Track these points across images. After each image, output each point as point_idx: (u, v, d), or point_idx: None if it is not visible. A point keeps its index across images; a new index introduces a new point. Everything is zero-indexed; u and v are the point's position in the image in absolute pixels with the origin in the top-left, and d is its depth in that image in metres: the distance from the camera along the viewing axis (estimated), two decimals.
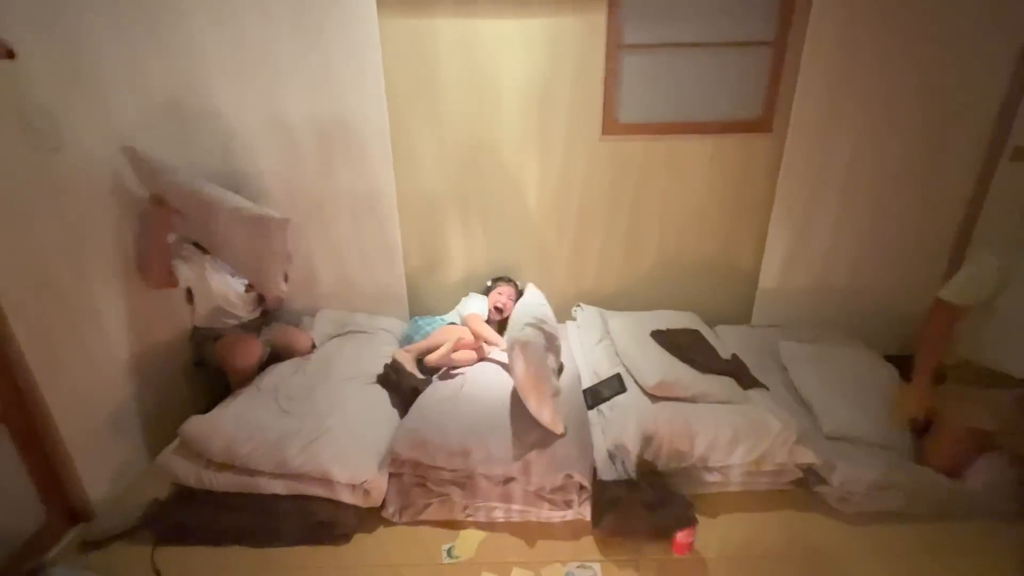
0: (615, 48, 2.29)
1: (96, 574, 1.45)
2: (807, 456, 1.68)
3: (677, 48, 2.31)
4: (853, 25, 2.12)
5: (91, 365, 1.74)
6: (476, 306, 2.39)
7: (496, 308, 2.44)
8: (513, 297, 2.48)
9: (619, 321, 2.34)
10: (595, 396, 1.97)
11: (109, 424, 1.81)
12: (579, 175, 2.46)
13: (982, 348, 1.76)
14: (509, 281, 2.57)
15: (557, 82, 2.31)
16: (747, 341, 2.40)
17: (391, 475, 1.69)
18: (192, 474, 1.64)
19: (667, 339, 2.12)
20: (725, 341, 2.40)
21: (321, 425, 1.75)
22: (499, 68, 2.28)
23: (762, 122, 2.40)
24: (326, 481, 1.62)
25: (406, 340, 2.43)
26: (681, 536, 1.50)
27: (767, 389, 1.99)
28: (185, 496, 1.66)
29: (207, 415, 1.72)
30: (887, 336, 2.57)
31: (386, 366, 2.11)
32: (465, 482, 1.68)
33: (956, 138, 2.31)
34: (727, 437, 1.71)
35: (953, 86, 2.21)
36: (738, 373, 2.02)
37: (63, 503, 1.69)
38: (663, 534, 1.53)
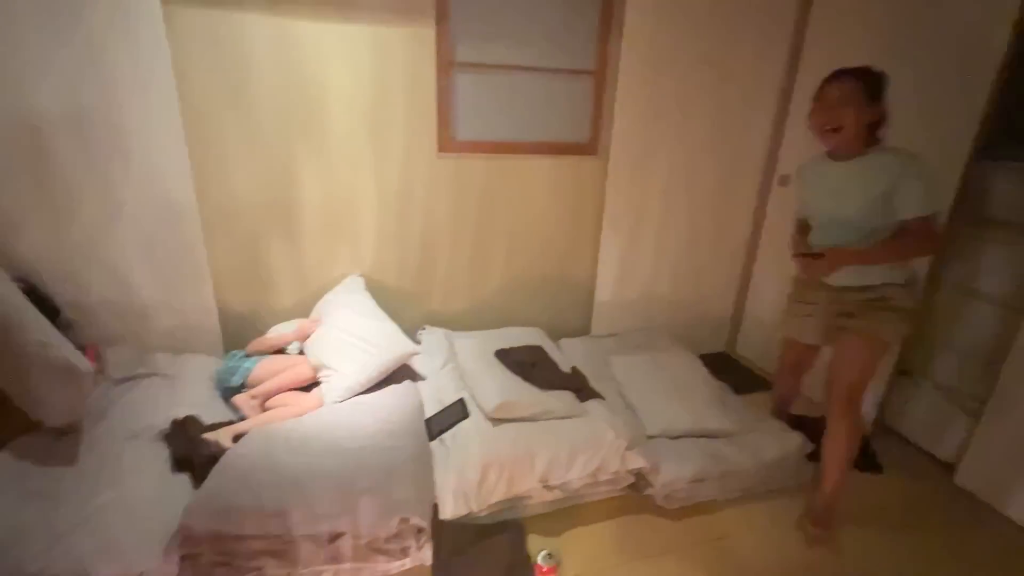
0: (447, 65, 2.24)
1: None
2: (637, 461, 1.77)
3: (510, 70, 2.35)
4: (658, 62, 2.37)
5: None
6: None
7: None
8: None
9: (465, 342, 2.28)
10: (437, 426, 1.87)
11: None
12: (419, 192, 2.36)
13: None
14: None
15: (388, 94, 2.19)
16: (588, 351, 2.51)
17: (183, 559, 1.38)
18: None
19: (510, 357, 2.11)
20: (568, 354, 2.47)
21: (82, 509, 1.37)
22: (322, 75, 2.09)
23: (590, 146, 2.56)
24: None
25: (222, 380, 2.06)
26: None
27: (604, 399, 2.08)
28: None
29: None
30: (700, 337, 2.91)
31: (173, 422, 1.72)
32: (284, 549, 1.44)
33: (743, 166, 2.71)
34: (566, 453, 1.72)
35: (738, 121, 2.60)
36: (578, 386, 2.08)
37: None
38: None
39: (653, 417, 2.00)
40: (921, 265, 1.95)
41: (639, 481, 1.82)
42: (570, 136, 2.54)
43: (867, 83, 1.54)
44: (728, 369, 2.81)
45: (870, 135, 1.58)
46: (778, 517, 1.82)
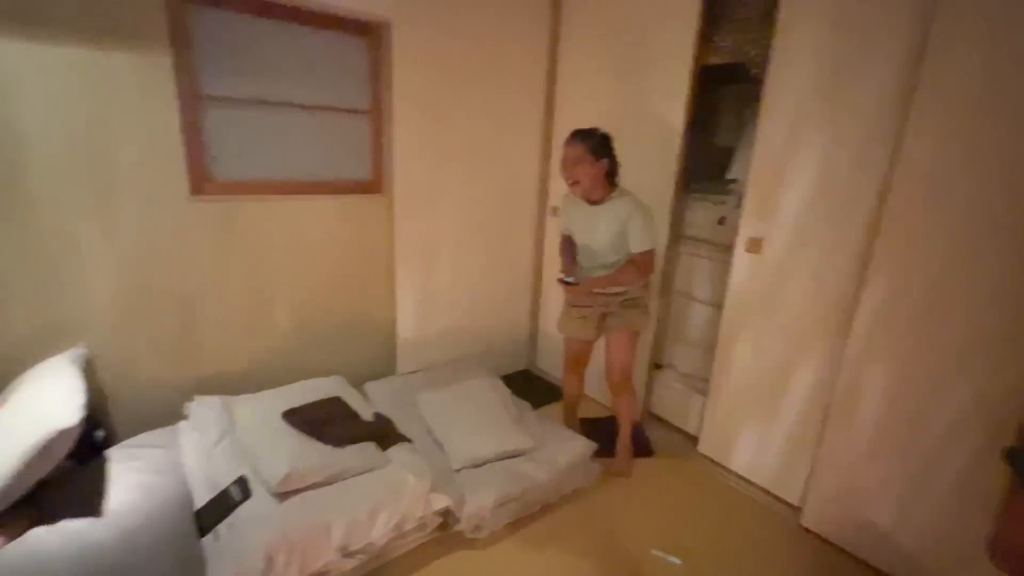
0: (194, 99, 1.99)
1: None
2: (441, 501, 1.77)
3: (279, 107, 2.19)
4: (429, 106, 2.48)
5: None
6: None
7: None
8: None
9: (245, 408, 2.00)
10: (210, 516, 1.59)
11: None
12: (168, 241, 2.02)
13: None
14: None
15: (114, 132, 1.83)
16: (395, 392, 2.45)
17: None
18: None
19: (300, 417, 1.92)
20: (374, 398, 2.38)
21: None
22: (15, 109, 1.65)
23: (373, 184, 2.53)
24: None
25: None
26: None
27: (411, 442, 2.04)
28: None
29: None
30: (505, 359, 3.09)
31: None
32: None
33: (521, 199, 2.99)
34: (366, 511, 1.63)
35: (511, 160, 2.86)
36: (380, 433, 2.00)
37: None
38: None
39: (458, 449, 2.03)
40: (656, 278, 2.41)
41: (448, 520, 1.82)
42: (351, 174, 2.48)
43: (590, 144, 1.92)
44: (528, 385, 3.04)
45: (608, 181, 1.98)
46: (576, 517, 2.01)
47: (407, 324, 2.70)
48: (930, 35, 1.54)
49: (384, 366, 2.71)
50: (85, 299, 1.90)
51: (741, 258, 2.17)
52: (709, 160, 2.66)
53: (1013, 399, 1.49)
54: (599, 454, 2.26)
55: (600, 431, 2.44)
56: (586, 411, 2.62)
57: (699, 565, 1.80)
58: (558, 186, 2.97)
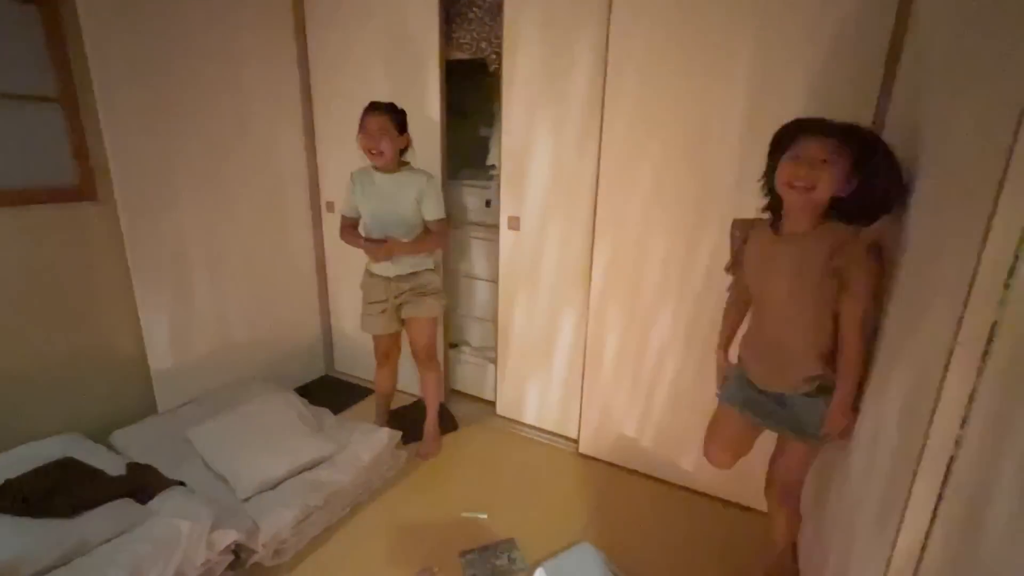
0: None
1: None
2: (228, 536, 1.59)
3: None
4: (145, 96, 2.10)
5: None
6: None
7: None
8: None
9: None
10: None
11: None
12: None
13: None
14: None
15: None
16: (157, 435, 2.08)
17: None
18: None
19: (13, 492, 1.50)
20: (126, 448, 1.98)
21: None
22: None
23: (83, 189, 2.04)
24: None
25: None
26: None
27: (183, 484, 1.76)
28: None
29: None
30: (298, 369, 2.89)
31: None
32: None
33: (290, 196, 2.77)
34: None
35: (272, 155, 2.62)
36: (137, 485, 1.68)
37: None
38: None
39: (244, 477, 1.84)
40: (439, 260, 2.52)
41: (241, 555, 1.65)
42: (49, 179, 1.96)
43: (396, 117, 2.00)
44: (329, 390, 2.91)
45: (399, 156, 2.05)
46: (387, 508, 2.02)
47: (161, 353, 2.29)
48: (611, 23, 1.91)
49: (137, 408, 2.26)
50: None
51: (506, 235, 2.42)
52: (473, 149, 2.87)
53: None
54: (409, 439, 2.30)
55: (408, 417, 2.49)
56: (395, 404, 2.62)
57: (502, 515, 2.00)
58: (330, 182, 2.85)
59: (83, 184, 2.06)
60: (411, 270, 2.14)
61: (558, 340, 2.41)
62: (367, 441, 2.13)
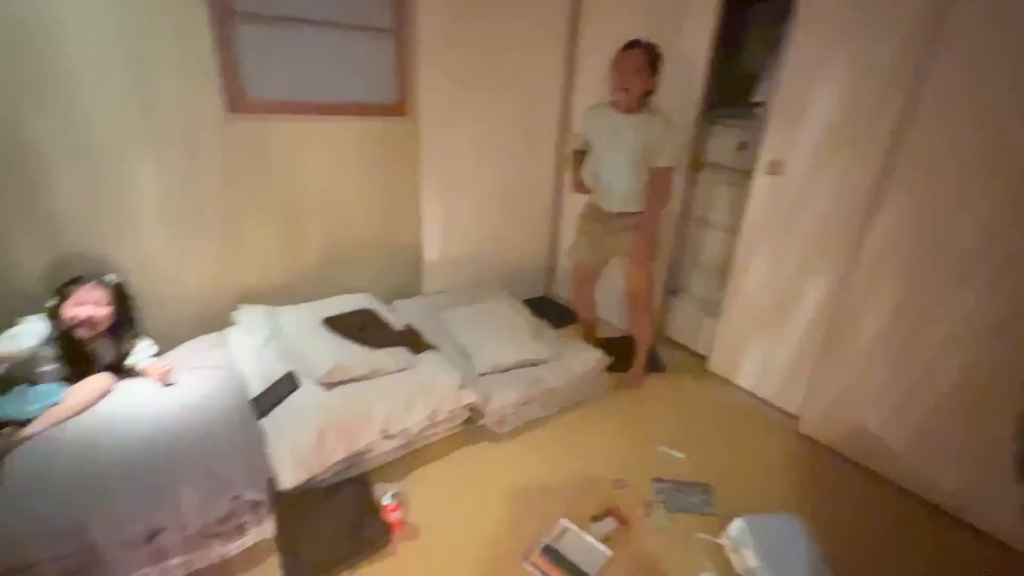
0: (226, 14, 2.02)
1: None
2: (469, 397, 1.95)
3: (301, 24, 2.21)
4: (455, 28, 2.46)
5: None
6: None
7: (77, 324, 1.67)
8: (105, 301, 1.76)
9: (289, 316, 2.18)
10: (265, 402, 1.79)
11: None
12: (210, 159, 2.12)
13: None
14: (91, 281, 1.75)
15: (148, 48, 1.89)
16: (421, 309, 2.61)
17: None
18: None
19: (339, 324, 2.10)
20: (401, 313, 2.54)
21: None
22: (51, 26, 1.71)
23: (398, 107, 2.57)
24: None
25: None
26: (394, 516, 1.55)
27: (438, 349, 2.21)
28: None
29: None
30: (523, 285, 3.22)
31: None
32: (88, 564, 1.28)
33: (542, 126, 3.00)
34: (402, 402, 1.82)
35: (534, 86, 2.85)
36: (410, 341, 2.17)
37: None
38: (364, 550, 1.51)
39: (482, 357, 2.20)
40: (674, 205, 2.47)
41: (474, 415, 2.02)
42: (377, 97, 2.51)
43: (652, 57, 1.96)
44: (547, 309, 3.19)
45: (644, 98, 2.02)
46: (590, 418, 2.20)
47: (432, 247, 2.82)
48: None
49: (411, 285, 2.85)
50: (137, 214, 2.04)
51: (761, 181, 2.21)
52: (733, 85, 2.62)
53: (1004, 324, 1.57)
54: (613, 369, 2.42)
55: (615, 349, 2.60)
56: (603, 334, 2.75)
57: (700, 461, 1.99)
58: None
59: (400, 102, 2.58)
60: (630, 209, 2.15)
61: (798, 305, 2.16)
62: (580, 356, 2.31)
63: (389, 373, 1.93)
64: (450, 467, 1.89)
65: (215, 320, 2.26)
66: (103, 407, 1.64)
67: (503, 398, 2.01)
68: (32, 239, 1.88)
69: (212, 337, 2.15)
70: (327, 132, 2.38)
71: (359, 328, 2.09)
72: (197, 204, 2.15)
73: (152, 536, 1.35)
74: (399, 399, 1.81)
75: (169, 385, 1.79)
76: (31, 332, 1.63)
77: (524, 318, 2.55)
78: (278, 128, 2.25)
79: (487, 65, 2.64)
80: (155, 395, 1.74)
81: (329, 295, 2.46)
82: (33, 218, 1.86)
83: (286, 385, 1.84)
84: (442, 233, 2.83)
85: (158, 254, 2.13)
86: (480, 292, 2.83)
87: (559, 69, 2.92)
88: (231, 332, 2.19)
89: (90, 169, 1.90)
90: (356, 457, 1.74)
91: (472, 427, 2.03)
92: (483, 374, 2.15)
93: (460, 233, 2.90)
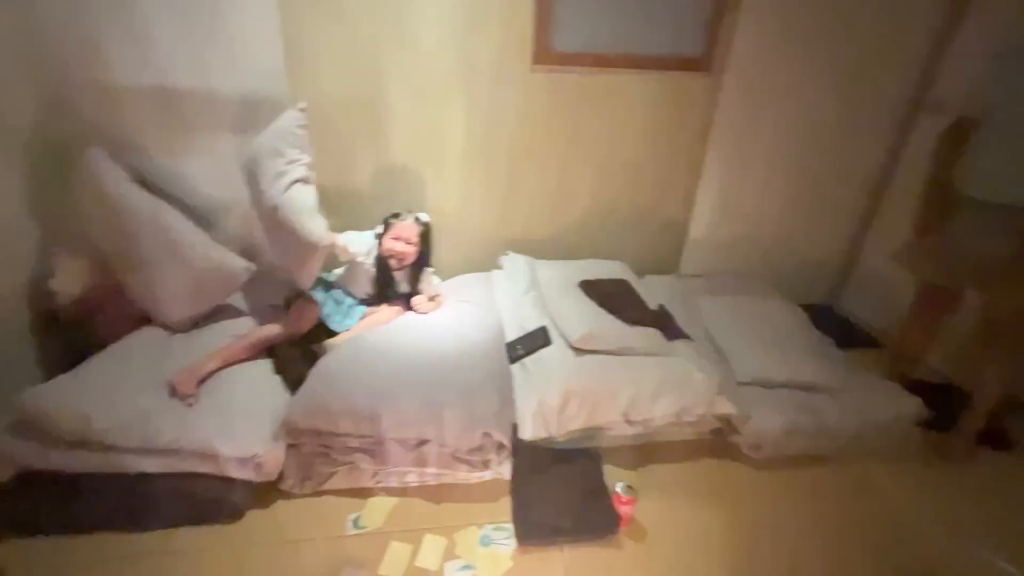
0: None
1: None
2: (726, 407, 1.68)
3: None
4: None
5: None
6: (357, 243, 1.95)
7: (391, 255, 1.95)
8: (415, 238, 1.98)
9: (548, 271, 2.22)
10: (518, 349, 1.86)
11: None
12: (509, 109, 2.22)
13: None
14: (409, 219, 1.98)
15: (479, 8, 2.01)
16: (674, 290, 2.37)
17: (289, 446, 1.51)
18: (36, 455, 1.36)
19: (595, 290, 2.03)
20: (653, 291, 2.34)
21: (199, 397, 1.51)
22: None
23: (701, 61, 2.25)
24: (209, 456, 1.41)
25: None
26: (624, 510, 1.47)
27: (691, 340, 1.97)
28: (31, 480, 1.38)
29: (48, 385, 1.42)
30: (801, 286, 2.65)
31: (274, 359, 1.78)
32: (374, 449, 1.54)
33: (884, 89, 2.29)
34: (650, 390, 1.66)
35: (885, 37, 2.17)
36: (664, 324, 1.98)
37: None
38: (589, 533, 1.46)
39: (745, 363, 1.87)
40: None
41: (725, 428, 1.75)
42: (679, 49, 2.25)
43: None
44: (829, 322, 2.57)
45: None
46: (871, 481, 1.70)
47: (701, 223, 2.50)
48: None
49: (666, 262, 2.62)
50: (446, 152, 2.28)
51: None
52: None
53: None
54: (931, 426, 1.80)
55: (936, 399, 1.93)
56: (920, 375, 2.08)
57: None
58: (954, 76, 2.16)
59: (704, 56, 2.26)
60: None
61: None
62: (882, 396, 1.79)
63: (639, 354, 1.79)
64: (689, 476, 1.69)
65: (484, 262, 2.46)
66: (402, 321, 1.92)
67: (766, 420, 1.67)
68: (370, 164, 2.27)
69: (480, 276, 2.34)
70: (619, 87, 2.24)
71: (614, 298, 1.99)
72: (491, 151, 2.30)
73: (419, 444, 1.54)
74: (647, 386, 1.66)
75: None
76: (364, 243, 1.98)
77: (803, 328, 2.09)
78: (571, 81, 2.21)
79: (827, 24, 2.09)
80: (433, 318, 1.98)
81: (583, 256, 2.42)
82: (372, 146, 2.24)
83: (539, 338, 1.87)
84: (717, 209, 2.47)
85: (454, 193, 2.37)
86: (746, 285, 2.42)
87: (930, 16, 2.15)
88: (496, 275, 2.36)
89: (420, 109, 2.17)
90: (593, 431, 1.68)
91: (720, 439, 1.76)
92: (743, 383, 1.84)
93: (738, 213, 2.50)
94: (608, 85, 2.24)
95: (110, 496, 1.38)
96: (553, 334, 1.88)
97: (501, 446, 1.56)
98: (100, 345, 1.74)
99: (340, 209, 2.24)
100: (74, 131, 1.82)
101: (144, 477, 1.40)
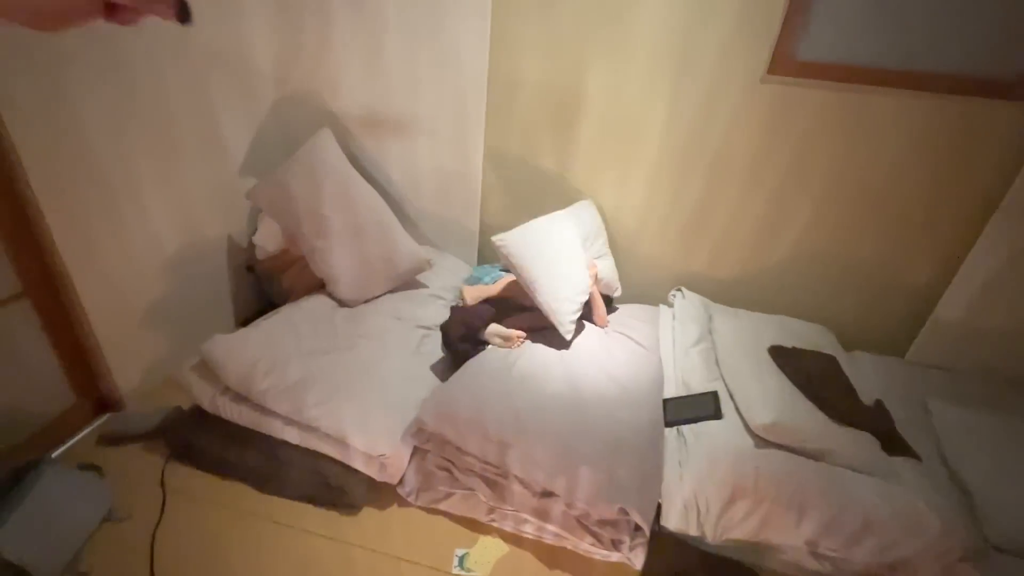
0: None
1: (89, 477, 1.36)
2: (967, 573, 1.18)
3: None
4: None
5: (128, 252, 1.61)
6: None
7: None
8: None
9: (727, 322, 1.85)
10: (678, 412, 1.56)
11: (144, 316, 1.71)
12: (722, 121, 1.87)
13: None
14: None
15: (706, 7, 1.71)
16: (894, 380, 1.82)
17: (415, 449, 1.43)
18: (207, 397, 1.48)
19: (791, 361, 1.62)
20: (864, 376, 1.82)
21: (348, 374, 1.51)
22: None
23: (1014, 86, 1.64)
24: (341, 443, 1.39)
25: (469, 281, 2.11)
26: None
27: (919, 460, 1.46)
28: (200, 416, 1.52)
29: (232, 336, 1.53)
30: None
31: (445, 323, 1.78)
32: (496, 481, 1.39)
33: None
34: (855, 521, 1.24)
35: None
36: (882, 430, 1.49)
37: (92, 390, 1.64)
38: None
39: (1004, 519, 1.31)
40: None
41: None
42: (979, 67, 1.66)
43: None
44: None
45: None
46: None
47: (958, 301, 1.87)
48: None
49: (888, 340, 2.03)
50: (636, 155, 2.02)
51: None
52: None
53: None
54: None
55: None
56: None
57: None
58: None
59: (1018, 81, 1.64)
60: None
61: None
62: None
63: (842, 465, 1.36)
64: None
65: (650, 291, 2.17)
66: (551, 351, 1.74)
67: None
68: (554, 152, 2.12)
69: (647, 310, 2.06)
70: (876, 109, 1.75)
71: (816, 379, 1.56)
72: (687, 165, 1.98)
73: (545, 494, 1.35)
74: (851, 514, 1.24)
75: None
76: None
77: None
78: (807, 97, 1.78)
79: None
80: (592, 347, 1.77)
81: (775, 311, 1.99)
82: (560, 135, 2.09)
83: (706, 405, 1.55)
84: (991, 288, 1.82)
85: (634, 204, 2.10)
86: (1004, 395, 1.76)
87: None
88: (664, 313, 2.05)
89: (617, 107, 1.94)
90: (760, 547, 1.32)
91: None
92: (1000, 549, 1.29)
93: (1021, 292, 1.81)
94: (861, 105, 1.76)
95: (256, 453, 1.45)
96: (725, 405, 1.54)
97: (638, 529, 1.29)
98: (283, 299, 1.90)
99: (516, 188, 2.16)
100: (305, 116, 2.11)
101: (286, 445, 1.44)
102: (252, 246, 1.97)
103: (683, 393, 1.62)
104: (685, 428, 1.51)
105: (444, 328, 1.75)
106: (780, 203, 1.96)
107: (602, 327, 1.94)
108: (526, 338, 1.78)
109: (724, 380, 1.62)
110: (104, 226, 1.52)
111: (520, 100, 2.02)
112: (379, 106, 2.10)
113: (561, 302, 1.72)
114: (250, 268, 2.08)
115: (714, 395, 1.57)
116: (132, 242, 1.62)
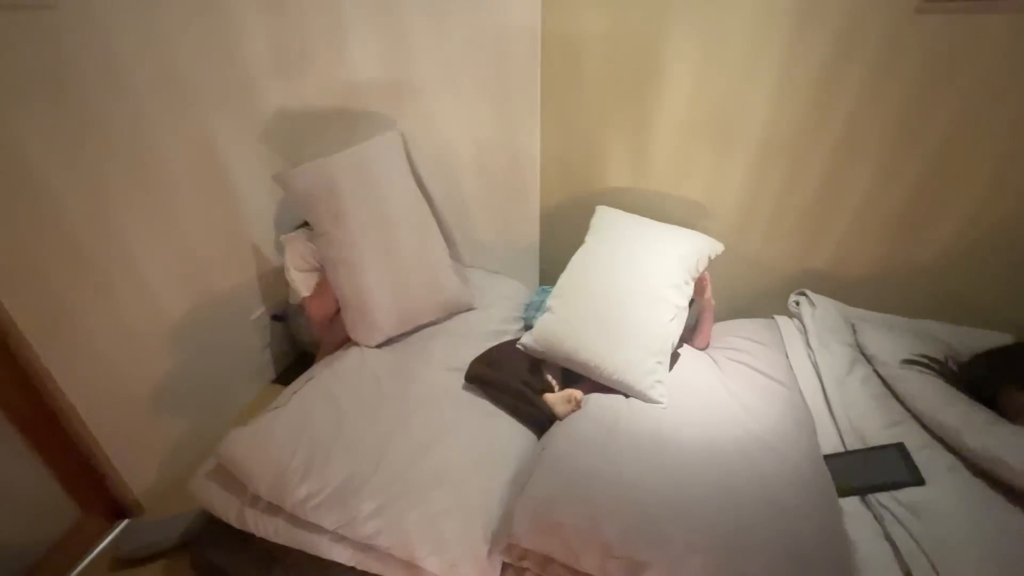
0: None
1: None
2: None
3: None
4: None
5: (121, 330, 1.30)
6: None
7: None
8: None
9: (884, 336, 1.40)
10: (851, 472, 1.14)
11: (151, 401, 1.40)
12: (855, 76, 1.40)
13: None
14: None
15: None
16: None
17: (505, 566, 1.07)
18: (233, 511, 1.15)
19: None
20: None
21: (408, 466, 1.15)
22: None
23: None
24: (408, 564, 1.04)
25: (529, 315, 1.72)
26: None
27: None
28: (229, 528, 1.19)
29: (253, 430, 1.18)
30: None
31: (516, 393, 1.37)
32: None
33: None
34: None
35: None
36: None
37: (99, 498, 1.34)
38: None
39: None
40: None
41: None
42: None
43: None
44: None
45: None
46: None
47: None
48: None
49: None
50: (738, 134, 1.59)
51: None
52: None
53: None
54: None
55: None
56: None
57: None
58: None
59: None
60: None
61: None
62: None
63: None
64: None
65: (757, 300, 1.74)
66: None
67: None
68: (626, 124, 1.72)
69: (763, 326, 1.60)
70: None
71: None
72: (804, 141, 1.53)
73: None
74: None
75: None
76: None
77: None
78: (986, 31, 1.29)
79: None
80: (710, 389, 1.36)
81: (938, 316, 1.53)
82: (634, 103, 1.68)
83: (891, 464, 1.12)
84: None
85: (735, 191, 1.67)
86: None
87: None
88: (783, 324, 1.61)
89: (710, 65, 1.51)
90: None
91: None
92: None
93: None
94: None
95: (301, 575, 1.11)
96: (924, 462, 1.10)
97: None
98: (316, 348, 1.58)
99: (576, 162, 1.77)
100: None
101: (336, 567, 1.10)
102: (273, 293, 1.63)
103: (854, 447, 1.19)
104: (873, 498, 1.09)
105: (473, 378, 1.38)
106: (941, 175, 1.47)
107: (701, 348, 1.55)
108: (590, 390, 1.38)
109: (927, 425, 1.18)
110: (83, 305, 1.21)
111: (578, 57, 1.60)
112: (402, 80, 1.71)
113: (636, 374, 1.34)
114: (276, 317, 1.75)
115: (899, 447, 1.14)
116: (124, 317, 1.30)
